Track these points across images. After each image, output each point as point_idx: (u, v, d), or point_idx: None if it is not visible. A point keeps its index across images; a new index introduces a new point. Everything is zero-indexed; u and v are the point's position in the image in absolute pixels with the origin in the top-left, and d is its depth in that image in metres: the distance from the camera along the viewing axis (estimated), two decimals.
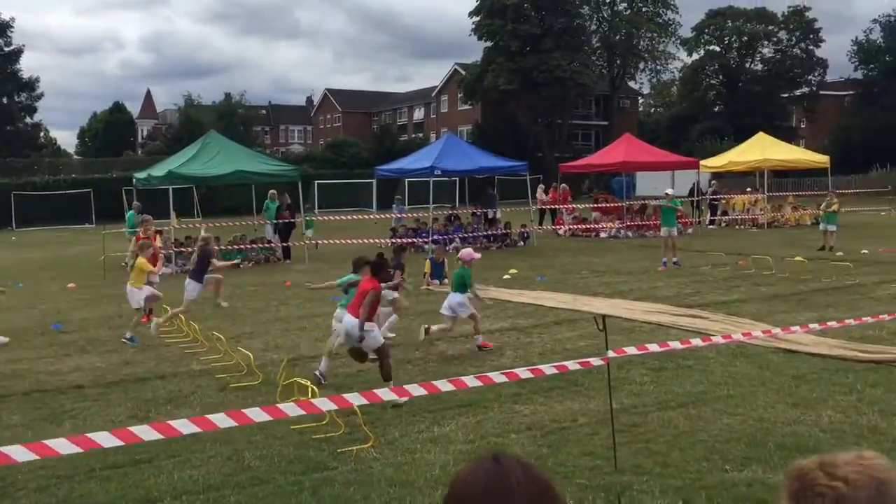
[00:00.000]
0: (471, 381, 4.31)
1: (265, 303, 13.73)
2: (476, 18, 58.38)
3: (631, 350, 5.02)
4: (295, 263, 19.98)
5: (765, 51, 65.34)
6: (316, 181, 43.10)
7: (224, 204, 33.72)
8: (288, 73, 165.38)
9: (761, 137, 30.47)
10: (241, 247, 20.14)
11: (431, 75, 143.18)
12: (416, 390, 4.15)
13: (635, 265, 17.65)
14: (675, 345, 5.29)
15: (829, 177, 30.08)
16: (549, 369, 4.60)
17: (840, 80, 63.52)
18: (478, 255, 10.07)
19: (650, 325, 10.44)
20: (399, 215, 25.23)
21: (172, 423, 3.90)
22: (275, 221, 20.98)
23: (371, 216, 24.96)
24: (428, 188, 21.99)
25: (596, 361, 4.65)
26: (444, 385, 4.16)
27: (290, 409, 3.91)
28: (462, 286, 9.60)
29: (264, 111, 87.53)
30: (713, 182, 32.48)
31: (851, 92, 61.21)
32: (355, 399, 4.14)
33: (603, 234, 25.35)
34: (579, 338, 9.84)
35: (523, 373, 4.45)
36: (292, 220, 21.35)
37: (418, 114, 78.74)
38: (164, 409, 7.29)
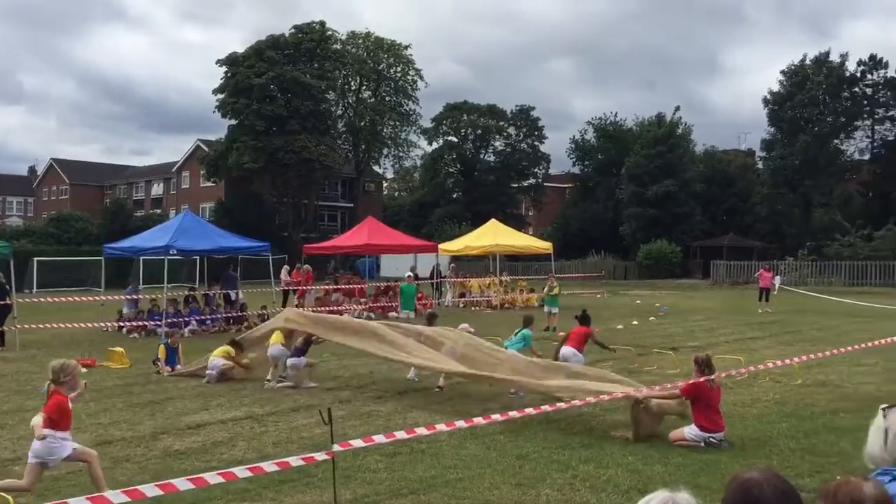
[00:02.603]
0: (182, 483, 3.97)
1: None
2: (220, 96, 57.59)
3: (357, 442, 4.94)
4: (7, 351, 17.81)
5: (497, 144, 70.81)
6: (35, 258, 39.43)
7: None
8: (6, 139, 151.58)
9: (494, 224, 32.57)
10: None
11: (172, 150, 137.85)
12: (118, 497, 3.73)
13: None
14: (401, 434, 5.29)
15: (553, 262, 32.77)
16: (270, 467, 4.38)
17: (561, 174, 70.27)
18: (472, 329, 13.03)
19: (386, 410, 10.48)
20: (132, 297, 23.50)
21: None
22: None
23: (98, 297, 23.04)
24: (166, 266, 20.84)
25: (320, 456, 4.51)
26: (150, 490, 3.79)
27: None
28: None
29: None
30: (452, 265, 34.07)
31: (571, 185, 67.79)
32: None
33: (346, 316, 25.38)
34: (315, 425, 9.60)
35: (241, 472, 4.18)
36: (4, 303, 19.10)
37: (157, 189, 75.29)
38: None
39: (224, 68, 57.82)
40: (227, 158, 56.37)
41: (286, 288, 28.08)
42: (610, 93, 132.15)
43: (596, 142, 63.59)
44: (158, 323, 20.34)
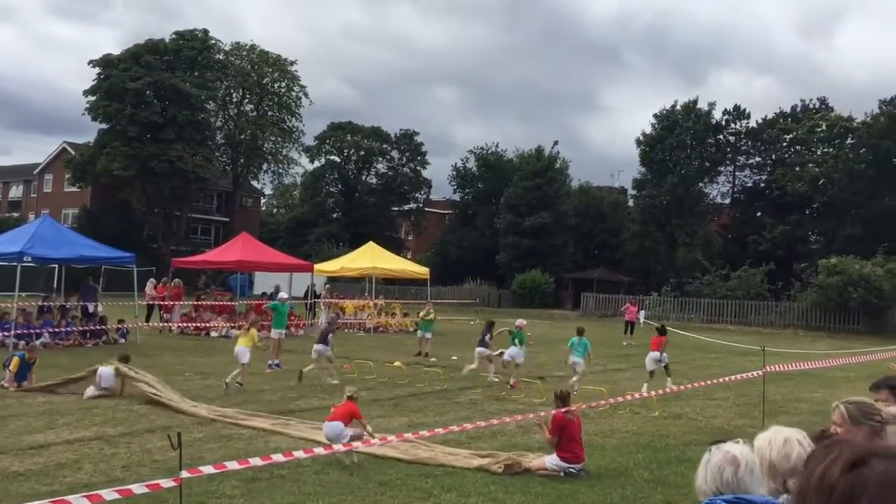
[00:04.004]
0: None
1: None
2: (92, 98, 54.92)
3: (208, 469, 4.70)
4: None
5: (379, 166, 70.77)
6: None
7: None
8: None
9: (371, 247, 32.44)
10: None
11: (35, 150, 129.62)
12: None
13: None
14: (256, 461, 5.08)
15: (429, 287, 32.94)
16: (110, 494, 4.08)
17: (442, 200, 70.86)
18: (525, 323, 17.09)
19: (248, 434, 10.13)
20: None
21: None
22: None
23: None
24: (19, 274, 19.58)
25: (167, 483, 4.25)
26: None
27: None
28: (519, 341, 15.86)
29: None
30: (327, 286, 33.66)
31: (451, 211, 68.49)
32: None
33: (213, 333, 24.59)
34: (171, 447, 9.15)
35: (77, 500, 3.88)
36: None
37: (15, 191, 70.88)
38: None
39: (97, 69, 55.22)
40: (95, 163, 53.65)
41: (150, 302, 26.86)
42: (492, 123, 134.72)
43: (477, 170, 64.54)
44: (7, 334, 19.02)
